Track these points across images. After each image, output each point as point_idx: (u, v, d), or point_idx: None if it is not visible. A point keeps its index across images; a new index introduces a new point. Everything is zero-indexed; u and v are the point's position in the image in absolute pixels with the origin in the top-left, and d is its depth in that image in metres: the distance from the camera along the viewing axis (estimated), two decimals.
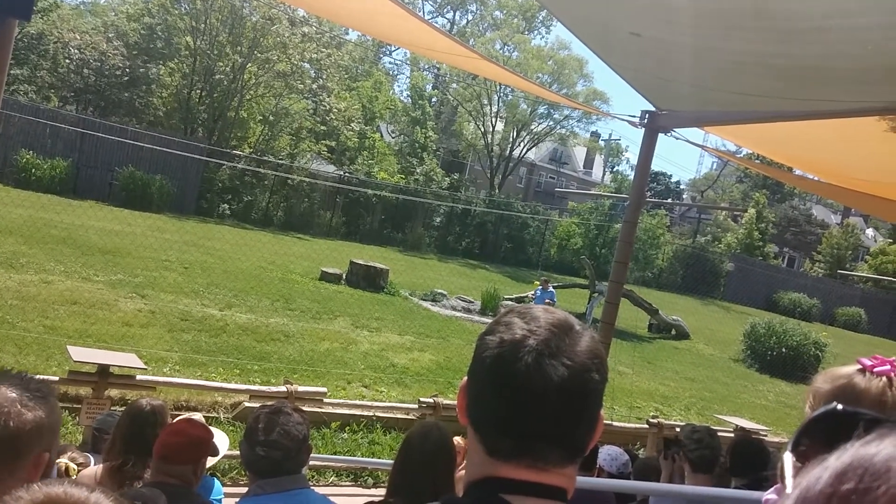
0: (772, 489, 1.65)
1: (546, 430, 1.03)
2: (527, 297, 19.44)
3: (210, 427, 3.69)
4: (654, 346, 20.18)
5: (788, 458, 0.62)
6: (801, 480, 0.54)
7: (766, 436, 9.09)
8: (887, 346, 32.93)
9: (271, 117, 31.38)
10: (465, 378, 1.12)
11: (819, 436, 0.63)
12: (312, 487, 2.78)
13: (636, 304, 20.96)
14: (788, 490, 0.57)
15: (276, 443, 2.53)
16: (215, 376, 9.12)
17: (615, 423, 9.07)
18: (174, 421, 3.10)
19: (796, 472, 0.58)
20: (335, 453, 7.47)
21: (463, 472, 2.69)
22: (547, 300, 17.87)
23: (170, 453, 2.73)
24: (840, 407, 0.66)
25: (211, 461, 3.59)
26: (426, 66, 44.30)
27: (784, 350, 19.56)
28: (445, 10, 49.22)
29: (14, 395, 1.62)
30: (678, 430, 4.76)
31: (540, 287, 18.57)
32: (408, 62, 48.64)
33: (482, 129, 40.24)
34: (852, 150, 4.78)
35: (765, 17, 2.77)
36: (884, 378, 1.58)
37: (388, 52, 51.38)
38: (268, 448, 2.52)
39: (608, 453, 4.29)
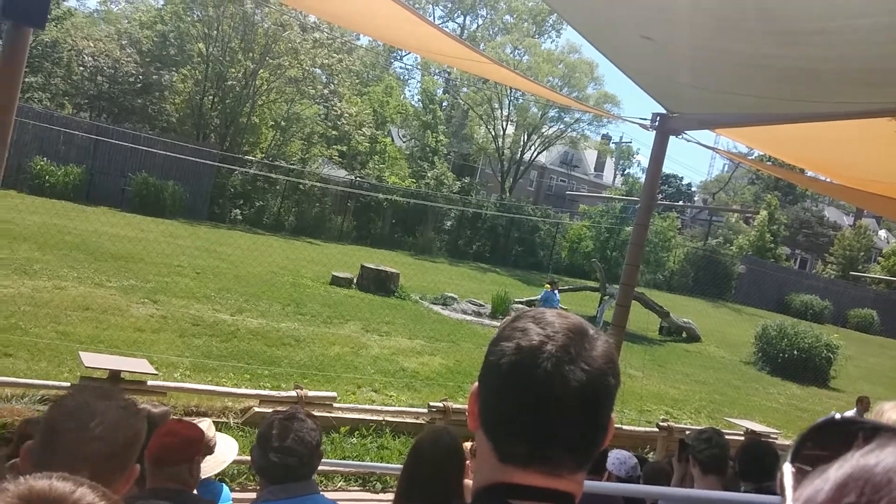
0: None
1: (563, 435, 1.03)
2: (536, 301, 19.39)
3: (218, 432, 3.70)
4: (664, 348, 20.11)
5: (788, 469, 0.61)
6: (802, 492, 0.53)
7: (776, 439, 9.04)
8: None
9: (283, 123, 31.48)
10: (476, 384, 1.11)
11: (819, 445, 0.63)
12: (321, 492, 2.78)
13: (647, 306, 20.89)
14: (789, 502, 0.57)
15: (290, 449, 2.53)
16: (226, 381, 9.15)
17: (625, 427, 9.04)
18: (165, 423, 3.09)
19: (796, 483, 0.58)
20: (344, 458, 7.47)
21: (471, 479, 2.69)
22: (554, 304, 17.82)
23: (163, 454, 2.72)
24: (838, 416, 0.65)
25: (220, 466, 3.60)
26: (437, 71, 44.37)
27: (796, 352, 19.44)
28: (455, 14, 49.25)
29: (122, 408, 1.72)
30: (687, 433, 4.75)
31: (548, 290, 18.45)
32: (418, 67, 48.75)
33: (493, 133, 40.24)
34: (864, 151, 4.76)
35: (771, 19, 2.76)
36: None
37: (398, 57, 51.45)
38: (282, 454, 2.52)
39: (616, 457, 4.27)
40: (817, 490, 0.52)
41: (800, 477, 0.58)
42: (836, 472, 0.52)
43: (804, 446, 0.63)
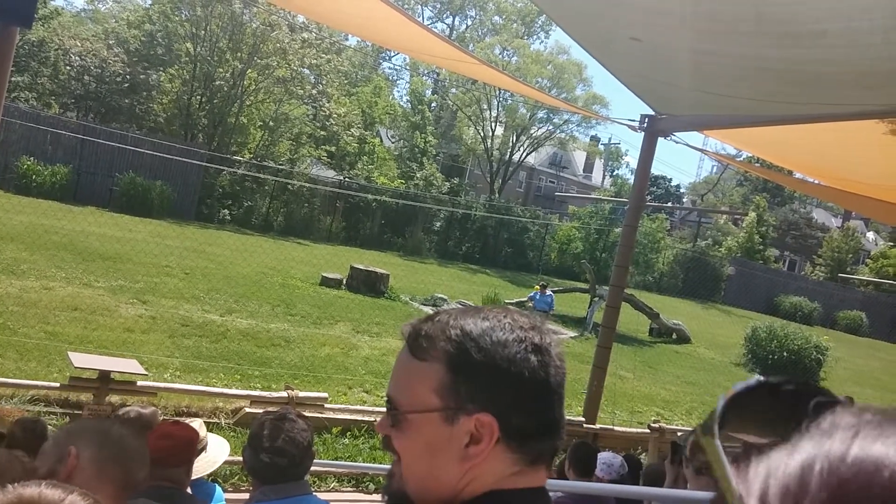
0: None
1: (563, 424, 1.08)
2: (526, 302, 19.42)
3: (210, 433, 3.70)
4: (654, 350, 20.16)
5: (719, 446, 0.55)
6: (757, 485, 0.48)
7: None
8: (889, 350, 32.91)
9: (271, 123, 31.41)
10: (486, 415, 1.00)
11: (751, 415, 0.57)
12: (314, 493, 2.78)
13: (637, 308, 20.93)
14: (734, 484, 0.51)
15: (281, 449, 2.52)
16: (216, 382, 9.11)
17: (617, 428, 9.05)
18: (159, 425, 3.09)
19: (738, 470, 0.52)
20: (336, 459, 7.45)
21: None
22: (545, 307, 17.93)
23: (163, 456, 2.72)
24: (762, 378, 0.59)
25: (212, 467, 3.59)
26: (426, 72, 44.38)
27: (785, 354, 19.53)
28: (444, 15, 49.28)
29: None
30: (679, 434, 4.75)
31: (538, 291, 18.59)
32: (407, 67, 48.77)
33: (482, 134, 40.27)
34: (852, 153, 4.78)
35: (764, 21, 2.77)
36: None
37: (387, 58, 51.42)
38: (273, 455, 2.51)
39: (602, 461, 4.26)
40: (787, 493, 0.46)
41: (735, 454, 0.52)
42: (818, 470, 0.45)
43: (730, 417, 0.56)
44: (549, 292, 18.68)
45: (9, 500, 1.09)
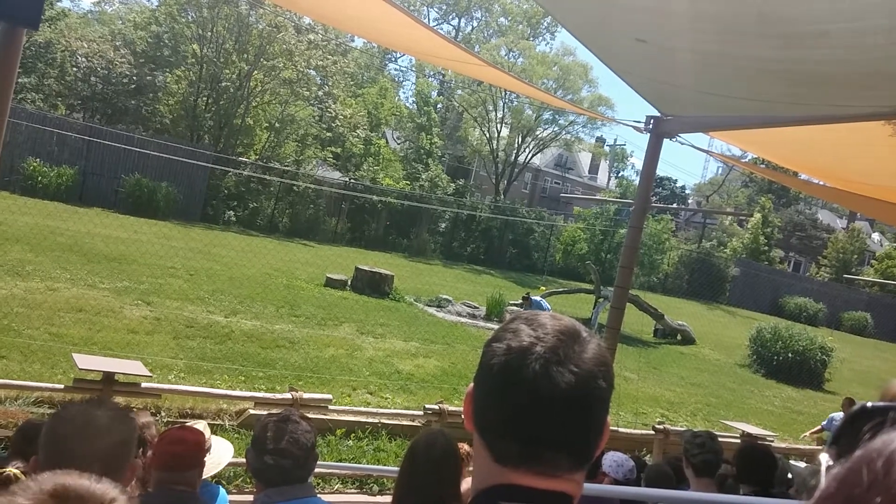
0: None
1: (553, 436, 1.04)
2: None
3: (214, 435, 3.71)
4: (659, 351, 20.12)
5: (825, 458, 0.61)
6: (824, 483, 0.53)
7: (772, 441, 9.05)
8: (893, 350, 32.79)
9: (277, 124, 31.44)
10: (472, 385, 1.12)
11: (853, 434, 0.62)
12: (318, 495, 2.78)
13: (642, 309, 20.90)
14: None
15: (285, 451, 2.52)
16: (220, 383, 9.12)
17: (621, 429, 9.03)
18: (167, 430, 3.11)
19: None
20: (340, 460, 7.45)
21: (468, 479, 2.68)
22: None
23: (177, 462, 2.73)
24: (869, 404, 0.65)
25: (216, 469, 3.59)
26: (431, 73, 44.39)
27: (790, 355, 19.48)
28: (450, 16, 49.25)
29: (111, 411, 1.98)
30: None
31: (537, 299, 18.36)
32: (413, 69, 48.76)
33: (487, 135, 40.24)
34: (858, 154, 4.76)
35: (768, 22, 2.76)
36: None
37: (393, 59, 51.47)
38: (276, 456, 2.51)
39: (613, 460, 4.26)
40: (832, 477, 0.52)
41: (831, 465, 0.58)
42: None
43: (839, 440, 0.62)
44: (535, 298, 18.37)
45: (45, 489, 1.06)
